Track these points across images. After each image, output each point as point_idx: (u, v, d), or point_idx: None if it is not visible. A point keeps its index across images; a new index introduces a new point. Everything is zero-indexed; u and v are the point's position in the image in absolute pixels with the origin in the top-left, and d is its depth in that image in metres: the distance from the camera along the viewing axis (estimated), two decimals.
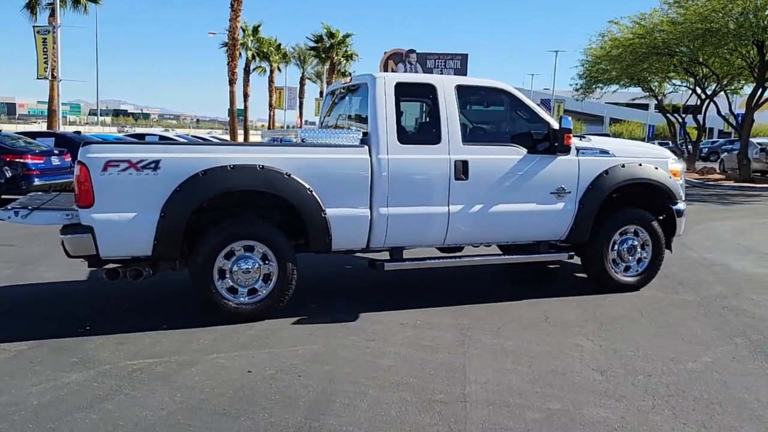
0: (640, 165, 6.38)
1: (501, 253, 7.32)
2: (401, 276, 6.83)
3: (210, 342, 4.77)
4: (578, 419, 3.59)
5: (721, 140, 48.92)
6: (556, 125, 5.99)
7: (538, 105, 6.35)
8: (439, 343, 4.85)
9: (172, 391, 3.88)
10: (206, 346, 4.69)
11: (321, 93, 57.54)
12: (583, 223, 6.15)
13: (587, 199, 6.13)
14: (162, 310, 5.60)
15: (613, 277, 6.39)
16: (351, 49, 50.93)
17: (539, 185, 5.98)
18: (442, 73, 28.33)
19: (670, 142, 32.46)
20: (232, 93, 38.26)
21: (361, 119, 5.95)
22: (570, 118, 6.06)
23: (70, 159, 13.90)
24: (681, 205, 6.65)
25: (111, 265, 5.17)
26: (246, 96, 48.06)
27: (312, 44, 50.79)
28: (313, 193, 5.25)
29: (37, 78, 26.52)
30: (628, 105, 57.68)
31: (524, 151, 5.93)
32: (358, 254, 6.06)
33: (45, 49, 25.81)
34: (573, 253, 6.37)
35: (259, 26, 49.13)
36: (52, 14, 27.32)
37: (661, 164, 6.55)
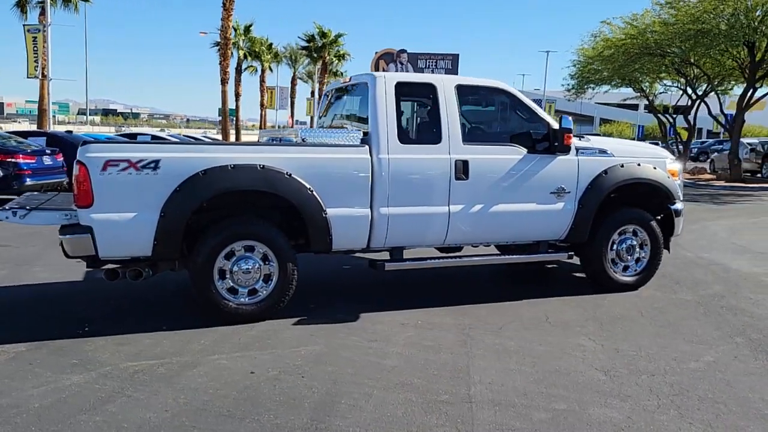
0: (639, 165, 6.40)
1: (501, 253, 7.31)
2: (401, 276, 6.81)
3: (211, 343, 4.74)
4: (585, 419, 3.59)
5: (711, 140, 49.23)
6: (555, 125, 5.99)
7: None
8: (441, 343, 4.83)
9: (175, 392, 3.84)
10: (207, 347, 4.66)
11: (312, 93, 57.57)
12: (583, 223, 6.16)
13: (587, 199, 6.13)
14: (161, 310, 5.55)
15: (611, 276, 6.41)
16: (343, 48, 50.94)
17: (539, 185, 5.98)
18: (433, 73, 28.36)
19: (660, 142, 32.64)
20: (224, 93, 38.14)
21: (361, 119, 5.92)
22: (570, 118, 6.07)
23: (62, 159, 13.79)
24: (679, 205, 6.68)
25: (110, 266, 5.12)
26: (237, 96, 47.90)
27: (304, 44, 50.75)
28: (314, 193, 5.23)
29: (28, 77, 26.33)
30: (619, 105, 57.93)
31: (524, 150, 5.93)
32: (357, 254, 6.04)
33: (35, 48, 25.62)
34: (572, 253, 6.38)
35: (250, 26, 49.02)
36: (43, 13, 27.14)
37: (659, 164, 6.57)
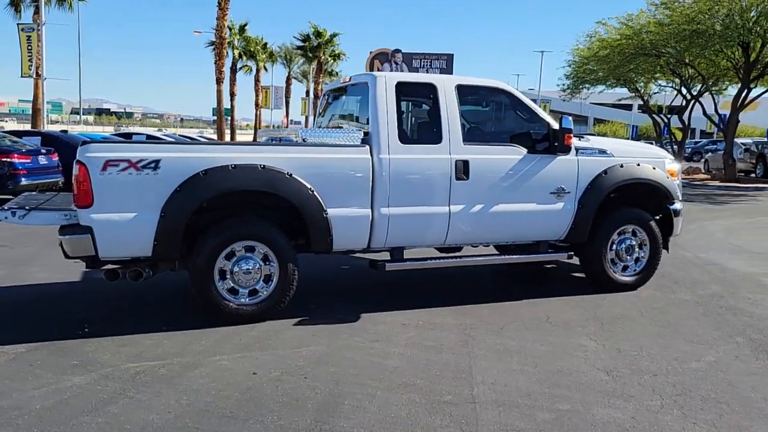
0: (638, 165, 6.41)
1: (501, 253, 7.31)
2: (401, 276, 6.80)
3: (212, 344, 4.72)
4: (589, 419, 3.59)
5: (704, 140, 49.39)
6: (555, 125, 5.99)
7: None
8: (443, 343, 4.83)
9: (178, 393, 3.82)
10: (208, 347, 4.64)
11: (307, 92, 57.51)
12: (583, 223, 6.16)
13: (586, 199, 6.14)
14: (161, 311, 5.53)
15: (611, 276, 6.41)
16: (338, 48, 50.89)
17: (539, 185, 5.98)
18: (428, 73, 28.36)
19: (654, 142, 32.73)
20: (219, 92, 38.07)
21: (362, 119, 5.91)
22: (571, 119, 6.07)
23: (57, 158, 13.73)
24: (678, 205, 6.69)
25: (110, 266, 5.09)
26: (233, 95, 47.81)
27: (299, 43, 50.71)
28: (315, 193, 5.21)
29: (22, 76, 26.19)
30: (613, 105, 58.11)
31: (524, 151, 5.93)
32: (357, 254, 6.03)
33: (29, 47, 25.49)
34: (572, 253, 6.38)
35: (245, 25, 48.96)
36: (37, 12, 27.02)
37: (658, 164, 6.58)
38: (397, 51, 32.48)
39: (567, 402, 3.81)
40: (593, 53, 26.06)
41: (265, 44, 52.15)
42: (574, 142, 6.12)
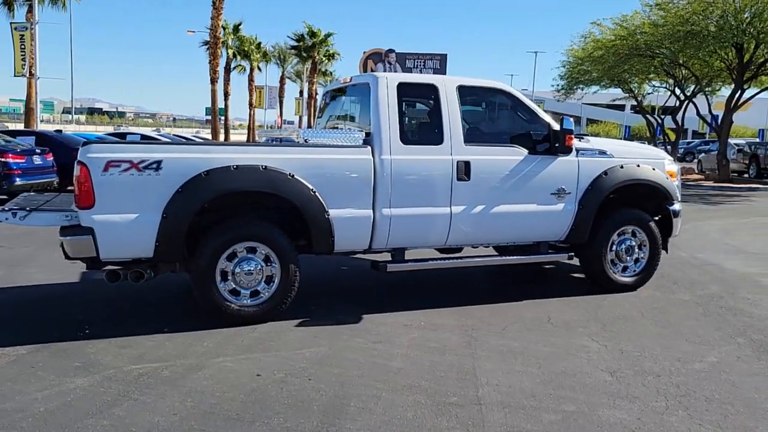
0: (638, 166, 6.42)
1: (501, 254, 7.31)
2: (401, 277, 6.79)
3: (214, 345, 4.70)
4: (595, 421, 3.59)
5: (697, 141, 49.61)
6: (556, 126, 6.00)
7: None
8: (446, 344, 4.82)
9: (182, 395, 3.80)
10: (211, 349, 4.62)
11: (301, 92, 57.44)
12: (583, 224, 6.17)
13: (587, 200, 6.15)
14: (162, 312, 5.50)
15: (611, 277, 6.43)
16: (333, 48, 50.85)
17: (540, 186, 5.98)
18: (421, 73, 28.39)
19: (647, 143, 32.86)
20: (213, 92, 38.00)
21: (363, 120, 5.90)
22: (572, 119, 6.08)
23: (52, 158, 13.65)
24: (677, 206, 6.72)
25: (110, 267, 5.07)
26: (227, 95, 47.71)
27: (293, 43, 50.65)
28: (316, 194, 5.20)
29: (15, 75, 26.05)
30: (608, 106, 58.26)
31: (525, 151, 5.93)
32: (358, 255, 6.02)
33: (23, 46, 25.36)
34: (572, 253, 6.39)
35: (239, 25, 48.86)
36: (30, 11, 26.86)
37: (658, 165, 6.60)
38: (391, 51, 32.43)
39: (572, 403, 3.82)
40: (588, 54, 26.15)
41: (259, 44, 52.04)
42: (575, 142, 6.12)
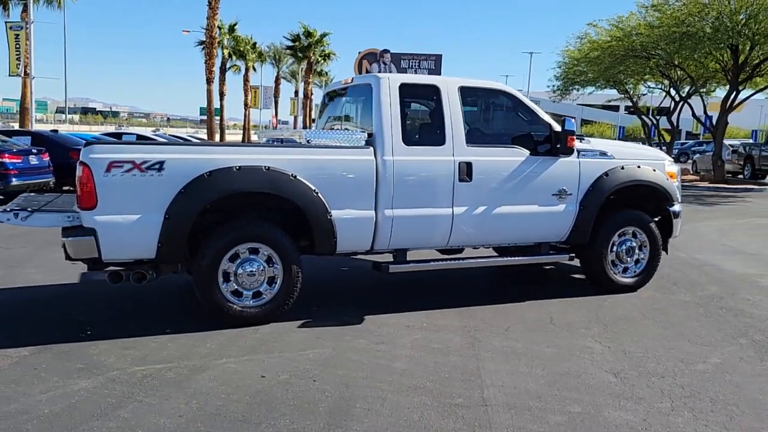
0: (639, 167, 6.44)
1: (502, 254, 7.31)
2: (402, 277, 6.78)
3: (217, 346, 4.68)
4: (601, 422, 3.59)
5: (691, 141, 49.76)
6: (557, 127, 6.01)
7: None
8: (449, 345, 4.82)
9: (187, 397, 3.79)
10: (214, 350, 4.60)
11: (296, 92, 57.42)
12: (584, 225, 6.18)
13: (588, 201, 6.16)
14: (164, 313, 5.48)
15: (612, 278, 6.44)
16: (328, 48, 50.82)
17: (541, 187, 5.99)
18: (416, 73, 28.38)
19: (641, 143, 32.94)
20: (209, 92, 37.88)
21: (364, 121, 5.90)
22: (573, 120, 6.09)
23: (48, 158, 13.59)
24: (677, 207, 6.73)
25: (112, 268, 5.04)
26: (222, 95, 47.55)
27: (289, 43, 50.62)
28: (319, 194, 5.19)
29: (9, 75, 25.93)
30: (603, 107, 58.35)
31: (526, 152, 5.94)
32: (360, 256, 6.01)
33: (17, 46, 25.23)
34: (573, 254, 6.40)
35: (235, 25, 48.73)
36: (25, 10, 26.73)
37: (658, 166, 6.62)
38: (386, 51, 32.35)
39: (578, 404, 3.82)
40: (583, 55, 26.14)
41: (255, 44, 51.95)
42: (576, 143, 6.13)
